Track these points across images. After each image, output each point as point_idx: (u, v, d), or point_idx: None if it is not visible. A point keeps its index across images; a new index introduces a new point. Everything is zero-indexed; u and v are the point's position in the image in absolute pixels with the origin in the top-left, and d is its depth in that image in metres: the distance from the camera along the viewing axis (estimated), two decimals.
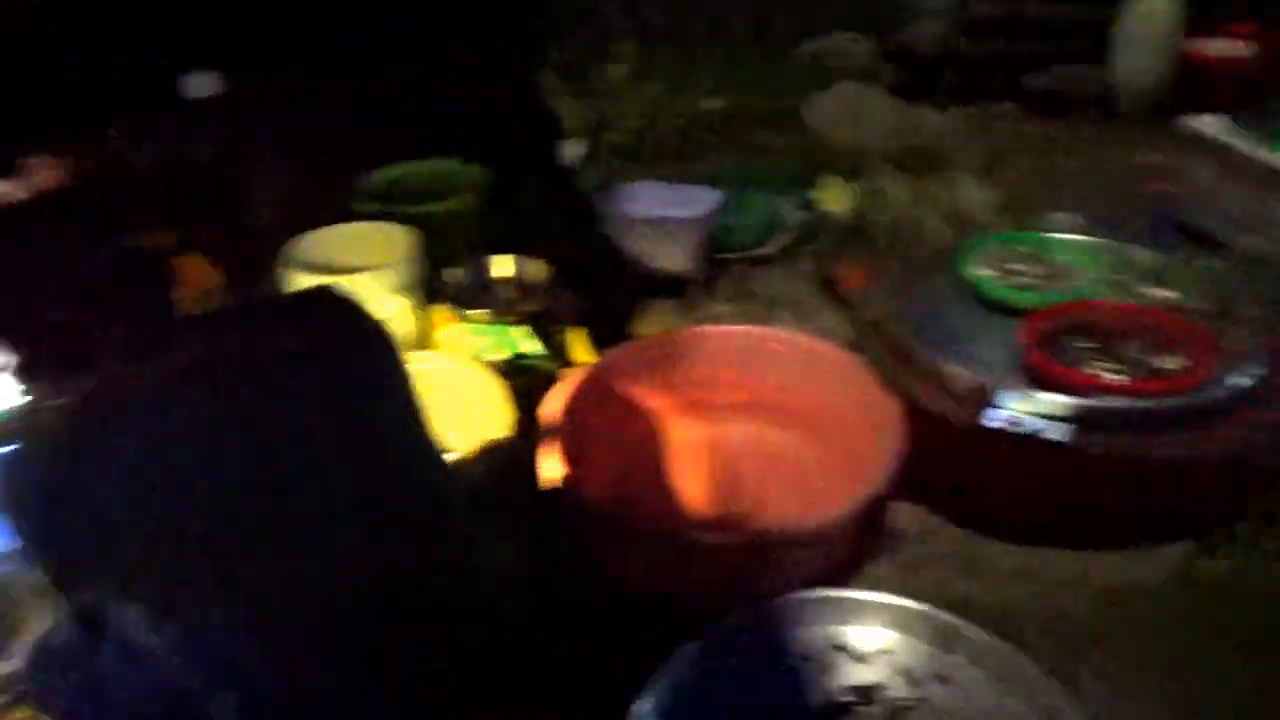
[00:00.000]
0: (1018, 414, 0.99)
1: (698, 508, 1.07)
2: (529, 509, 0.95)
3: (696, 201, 1.53)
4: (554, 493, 0.97)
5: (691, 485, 1.11)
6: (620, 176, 1.84)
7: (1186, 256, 1.45)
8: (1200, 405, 0.99)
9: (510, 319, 1.24)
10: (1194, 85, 2.03)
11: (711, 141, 2.13)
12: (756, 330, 1.22)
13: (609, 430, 1.12)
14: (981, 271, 1.22)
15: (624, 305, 1.52)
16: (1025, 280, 1.20)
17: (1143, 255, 1.26)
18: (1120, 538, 1.05)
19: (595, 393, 1.11)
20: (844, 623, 0.92)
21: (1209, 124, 1.60)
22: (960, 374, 1.03)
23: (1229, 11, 2.14)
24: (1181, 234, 1.54)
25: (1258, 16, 2.08)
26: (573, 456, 0.99)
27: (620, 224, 1.54)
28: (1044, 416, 0.99)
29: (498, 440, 0.97)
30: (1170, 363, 1.06)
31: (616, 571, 1.02)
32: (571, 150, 1.95)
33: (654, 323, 1.50)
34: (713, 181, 1.70)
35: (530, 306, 1.27)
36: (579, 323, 1.32)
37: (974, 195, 1.69)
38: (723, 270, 1.60)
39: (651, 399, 1.17)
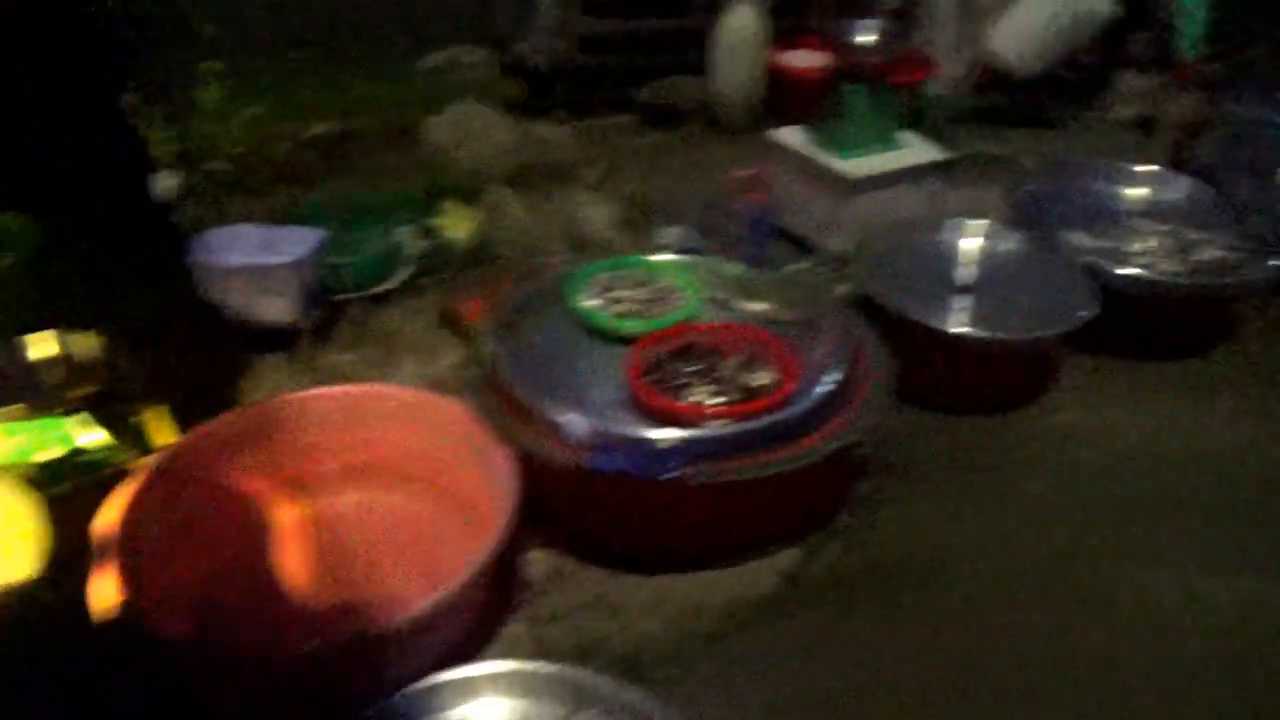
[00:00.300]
0: (625, 451, 0.98)
1: (301, 604, 0.96)
2: (73, 660, 0.78)
3: (295, 242, 1.39)
4: (113, 627, 0.81)
5: (294, 577, 0.99)
6: (224, 211, 1.64)
7: (777, 265, 1.56)
8: (790, 419, 1.04)
9: (59, 408, 1.03)
10: (781, 97, 2.19)
11: (324, 167, 1.97)
12: (356, 389, 1.11)
13: (189, 531, 0.97)
14: (588, 301, 1.20)
15: (224, 369, 1.34)
16: (627, 307, 1.20)
17: (735, 269, 1.31)
18: (739, 553, 1.09)
19: (166, 488, 0.95)
20: (474, 700, 0.88)
21: (789, 134, 1.73)
22: (566, 419, 1.00)
23: (798, 22, 2.31)
24: (778, 241, 1.64)
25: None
26: (134, 575, 0.84)
27: (210, 275, 1.36)
28: (651, 452, 0.99)
29: (15, 583, 0.79)
30: (763, 377, 1.10)
31: (213, 700, 0.89)
32: (165, 184, 1.70)
33: (264, 384, 1.34)
34: (323, 214, 1.56)
35: (85, 389, 1.07)
36: (160, 399, 1.13)
37: (592, 213, 1.69)
38: (340, 313, 1.47)
39: (243, 482, 1.03)
